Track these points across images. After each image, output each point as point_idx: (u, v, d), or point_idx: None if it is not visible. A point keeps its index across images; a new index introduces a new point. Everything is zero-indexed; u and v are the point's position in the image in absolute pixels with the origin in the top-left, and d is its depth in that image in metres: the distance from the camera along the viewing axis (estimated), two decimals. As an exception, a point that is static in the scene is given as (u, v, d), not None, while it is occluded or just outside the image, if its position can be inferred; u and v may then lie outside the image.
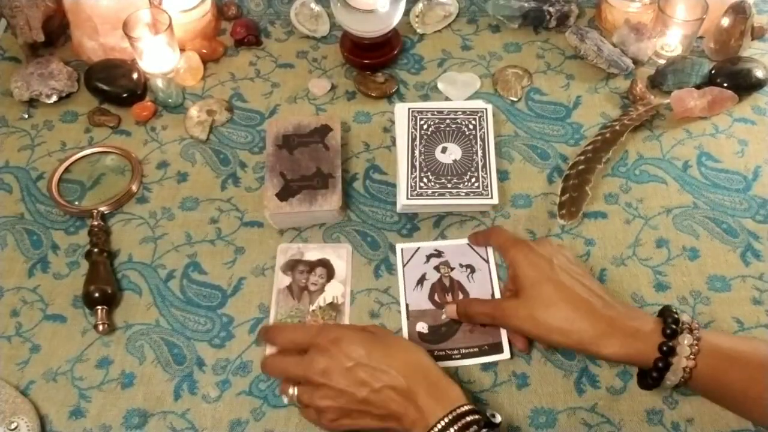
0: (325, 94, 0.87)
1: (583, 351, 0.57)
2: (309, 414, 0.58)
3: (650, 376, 0.55)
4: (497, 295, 0.69)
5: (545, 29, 0.94)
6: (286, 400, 0.61)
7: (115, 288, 0.69)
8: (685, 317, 0.56)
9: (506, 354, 0.65)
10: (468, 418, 0.52)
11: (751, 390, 0.52)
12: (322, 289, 0.70)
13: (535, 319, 0.57)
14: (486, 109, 0.78)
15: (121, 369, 0.65)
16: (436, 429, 0.52)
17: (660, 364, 0.54)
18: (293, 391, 0.58)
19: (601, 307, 0.57)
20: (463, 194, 0.73)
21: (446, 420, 0.52)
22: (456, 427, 0.51)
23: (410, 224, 0.75)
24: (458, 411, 0.52)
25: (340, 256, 0.72)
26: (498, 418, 0.54)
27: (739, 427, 0.60)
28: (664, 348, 0.54)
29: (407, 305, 0.68)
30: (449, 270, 0.71)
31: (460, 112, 0.79)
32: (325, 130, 0.78)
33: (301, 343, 0.59)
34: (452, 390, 0.55)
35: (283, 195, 0.72)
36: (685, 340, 0.54)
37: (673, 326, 0.55)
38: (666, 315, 0.56)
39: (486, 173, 0.74)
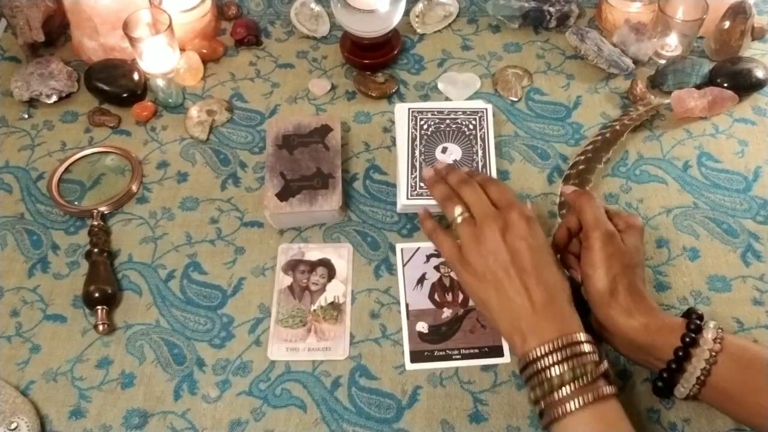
0: (325, 94, 0.87)
1: (610, 313, 0.56)
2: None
3: (669, 368, 0.54)
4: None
5: (545, 29, 0.94)
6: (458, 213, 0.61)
7: (115, 288, 0.69)
8: (711, 323, 0.55)
9: (506, 358, 0.64)
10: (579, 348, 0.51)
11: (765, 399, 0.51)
12: (323, 289, 0.70)
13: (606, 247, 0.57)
14: (486, 109, 0.78)
15: (121, 369, 0.65)
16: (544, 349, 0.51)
17: (680, 353, 0.53)
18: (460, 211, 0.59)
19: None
20: (464, 194, 0.73)
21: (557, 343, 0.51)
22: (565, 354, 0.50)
23: (410, 224, 0.75)
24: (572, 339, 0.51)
25: (341, 255, 0.72)
26: (604, 365, 0.51)
27: (735, 425, 0.60)
28: (687, 339, 0.53)
29: (407, 305, 0.68)
30: (449, 270, 0.71)
31: (460, 112, 0.79)
32: (325, 130, 0.78)
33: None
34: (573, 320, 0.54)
35: (283, 195, 0.72)
36: (709, 334, 0.53)
37: (698, 322, 0.54)
38: (691, 313, 0.56)
39: (486, 173, 0.74)
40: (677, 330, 0.55)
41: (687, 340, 0.53)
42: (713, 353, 0.53)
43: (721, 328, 0.54)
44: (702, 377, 0.53)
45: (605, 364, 0.51)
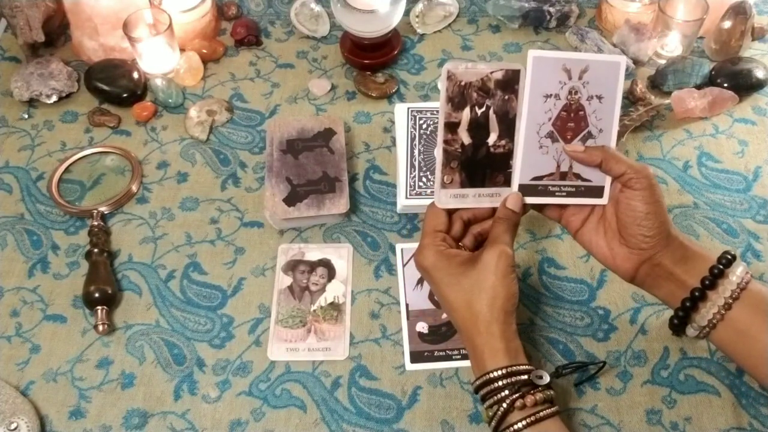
0: (326, 94, 0.87)
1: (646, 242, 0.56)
2: None
3: (692, 297, 0.55)
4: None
5: (545, 29, 0.94)
6: None
7: (115, 288, 0.69)
8: (742, 263, 0.56)
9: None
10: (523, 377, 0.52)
11: None
12: (323, 289, 0.70)
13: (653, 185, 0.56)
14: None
15: (121, 369, 0.65)
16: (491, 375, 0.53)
17: (707, 282, 0.54)
18: None
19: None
20: (464, 194, 0.73)
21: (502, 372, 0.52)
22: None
23: (410, 224, 0.75)
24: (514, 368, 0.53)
25: (341, 255, 0.72)
26: (545, 378, 0.53)
27: (737, 424, 0.60)
28: (716, 270, 0.54)
29: (407, 305, 0.68)
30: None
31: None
32: (328, 133, 0.78)
33: None
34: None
35: (291, 200, 0.72)
36: (739, 269, 0.54)
37: (729, 257, 0.55)
38: (725, 252, 0.56)
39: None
40: (707, 262, 0.55)
41: (715, 271, 0.54)
42: (738, 289, 0.54)
43: (749, 273, 0.55)
44: (722, 311, 0.54)
45: (549, 392, 0.53)
